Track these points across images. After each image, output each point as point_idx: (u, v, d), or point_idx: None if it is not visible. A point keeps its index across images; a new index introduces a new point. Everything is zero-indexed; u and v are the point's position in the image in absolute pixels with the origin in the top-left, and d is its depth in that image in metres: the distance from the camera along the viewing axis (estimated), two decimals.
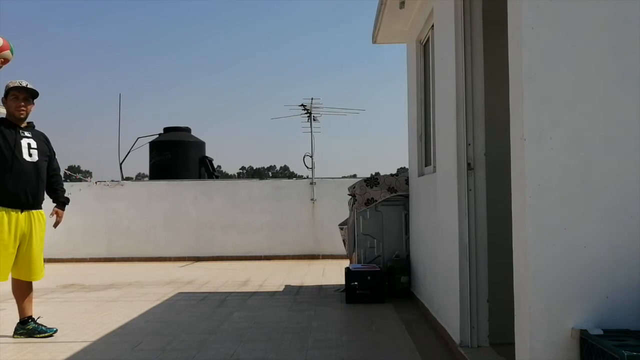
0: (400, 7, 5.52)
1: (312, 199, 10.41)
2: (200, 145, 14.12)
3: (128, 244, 10.33)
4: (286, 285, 7.14)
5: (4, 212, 4.44)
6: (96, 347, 4.31)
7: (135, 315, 5.41)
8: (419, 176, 5.79)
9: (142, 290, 6.99)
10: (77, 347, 4.30)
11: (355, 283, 5.81)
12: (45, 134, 4.83)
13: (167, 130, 14.27)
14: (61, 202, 4.94)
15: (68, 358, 4.04)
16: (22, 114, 4.59)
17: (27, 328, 4.59)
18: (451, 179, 3.96)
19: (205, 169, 13.83)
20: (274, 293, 6.62)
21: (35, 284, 4.80)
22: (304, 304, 5.90)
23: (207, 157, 13.99)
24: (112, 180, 11.09)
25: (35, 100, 4.68)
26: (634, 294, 2.34)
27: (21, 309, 4.65)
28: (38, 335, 4.56)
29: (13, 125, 4.56)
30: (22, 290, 4.66)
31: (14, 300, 4.73)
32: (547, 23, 2.40)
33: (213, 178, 13.81)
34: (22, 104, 4.58)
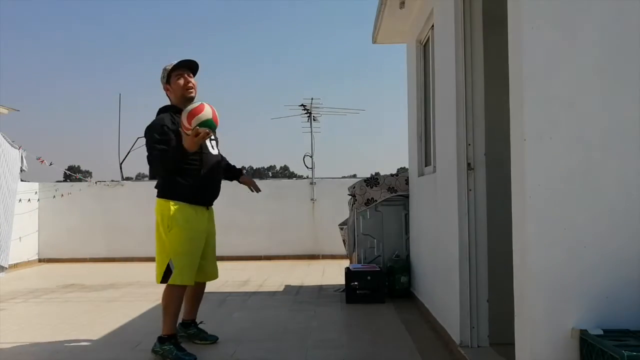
0: (400, 7, 5.52)
1: (312, 199, 10.41)
2: None
3: (128, 244, 10.32)
4: (286, 285, 7.14)
5: (193, 210, 3.99)
6: (96, 347, 4.31)
7: (135, 315, 5.41)
8: (419, 176, 5.79)
9: (142, 290, 6.99)
10: (77, 347, 4.30)
11: (355, 283, 5.81)
12: None
13: None
14: (240, 170, 4.56)
15: (68, 358, 4.04)
16: (192, 93, 4.06)
17: (189, 332, 4.33)
18: (451, 179, 3.96)
19: None
20: (274, 293, 6.62)
21: (35, 284, 4.80)
22: (304, 304, 5.90)
23: None
24: (112, 180, 11.08)
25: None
26: (634, 294, 2.34)
27: (190, 311, 4.39)
28: (198, 342, 4.27)
29: None
30: (200, 292, 4.40)
31: (14, 301, 4.71)
32: (547, 23, 2.40)
33: None
34: (190, 81, 4.07)
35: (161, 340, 3.95)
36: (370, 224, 6.48)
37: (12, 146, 8.93)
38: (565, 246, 2.36)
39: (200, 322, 4.46)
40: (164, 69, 4.12)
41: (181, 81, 4.05)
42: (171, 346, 3.90)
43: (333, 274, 8.02)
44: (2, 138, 8.64)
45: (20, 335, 4.71)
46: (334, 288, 6.78)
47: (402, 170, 8.14)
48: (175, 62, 4.08)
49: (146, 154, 3.98)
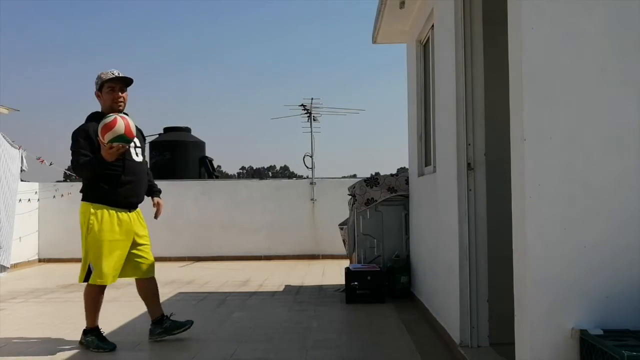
0: (400, 7, 5.53)
1: (312, 199, 10.41)
2: (200, 145, 14.12)
3: None
4: (286, 285, 7.14)
5: (114, 213, 4.27)
6: None
7: (135, 315, 5.41)
8: (419, 176, 5.79)
9: None
10: (78, 347, 4.30)
11: (355, 283, 5.81)
12: (137, 126, 4.44)
13: (167, 130, 14.27)
14: (157, 191, 4.76)
15: (68, 358, 4.05)
16: (120, 106, 4.29)
17: (165, 326, 4.48)
18: (451, 179, 3.96)
19: (205, 169, 13.83)
20: (274, 293, 6.62)
21: (35, 284, 4.79)
22: (304, 304, 5.90)
23: (207, 157, 14.00)
24: None
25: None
26: (634, 294, 2.34)
27: (154, 308, 4.54)
28: (176, 331, 4.46)
29: None
30: (152, 288, 4.53)
31: (15, 301, 4.71)
32: (547, 23, 2.40)
33: (213, 178, 13.82)
34: (120, 94, 4.29)
35: (85, 332, 4.35)
36: (370, 224, 6.48)
37: (12, 146, 8.93)
38: (565, 246, 2.36)
39: (171, 314, 4.59)
40: (99, 76, 4.30)
41: (112, 95, 4.27)
42: (93, 337, 4.29)
43: (333, 274, 8.02)
44: (2, 138, 8.64)
45: (21, 335, 4.71)
46: (334, 288, 6.78)
47: (402, 170, 8.14)
48: (111, 73, 4.27)
49: (70, 157, 4.25)
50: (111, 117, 4.08)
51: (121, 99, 4.30)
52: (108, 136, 4.02)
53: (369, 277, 5.83)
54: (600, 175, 2.38)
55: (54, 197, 10.17)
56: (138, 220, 4.46)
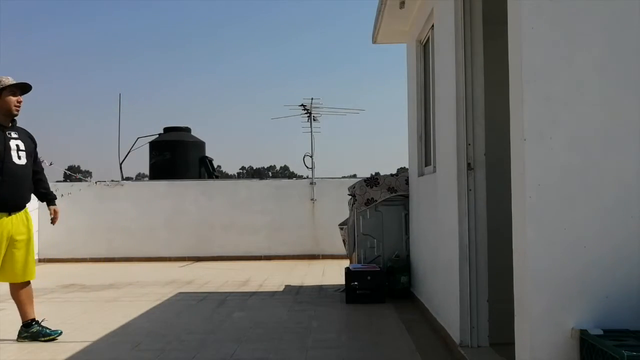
0: (400, 7, 5.53)
1: (312, 199, 10.41)
2: (200, 145, 14.11)
3: (128, 244, 10.32)
4: (286, 285, 7.14)
5: None
6: (96, 347, 4.31)
7: (135, 315, 5.41)
8: (419, 176, 5.79)
9: (142, 290, 6.99)
10: (77, 347, 4.30)
11: (355, 283, 5.81)
12: (28, 130, 4.69)
13: (167, 130, 14.26)
14: (52, 199, 4.91)
15: (68, 358, 4.04)
16: (17, 112, 4.52)
17: (32, 331, 4.52)
18: (451, 179, 3.96)
19: (205, 169, 13.82)
20: (274, 293, 6.62)
21: (35, 284, 4.79)
22: (304, 304, 5.90)
23: (207, 157, 13.98)
24: (112, 180, 11.08)
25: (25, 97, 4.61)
26: (634, 294, 2.34)
27: (23, 312, 4.58)
28: (43, 339, 4.49)
29: (1, 125, 4.44)
30: (22, 292, 4.57)
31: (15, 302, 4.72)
32: (547, 23, 2.40)
33: (213, 178, 13.81)
34: (21, 101, 4.52)
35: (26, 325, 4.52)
36: (370, 224, 6.48)
37: None
38: (565, 246, 2.36)
39: (42, 320, 4.60)
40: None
41: (13, 98, 4.46)
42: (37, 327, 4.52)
43: (333, 274, 8.02)
44: None
45: None
46: (334, 288, 6.78)
47: (402, 170, 8.14)
48: (12, 79, 4.46)
49: None
50: None
51: (20, 104, 4.50)
52: None
53: (369, 277, 5.83)
54: (600, 175, 2.38)
55: None
56: (18, 222, 4.48)
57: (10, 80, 4.48)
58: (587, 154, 2.38)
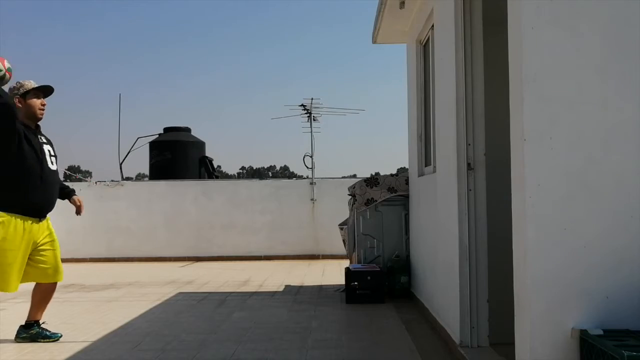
0: (400, 7, 5.53)
1: (312, 199, 10.41)
2: (200, 145, 14.12)
3: (128, 244, 10.33)
4: (286, 285, 7.14)
5: (20, 221, 4.23)
6: (96, 347, 4.31)
7: (135, 315, 5.41)
8: (419, 176, 5.79)
9: (142, 290, 6.99)
10: (77, 347, 4.30)
11: (355, 283, 5.81)
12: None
13: (167, 130, 14.27)
14: (72, 190, 4.85)
15: (68, 358, 4.04)
16: (42, 115, 4.46)
17: (31, 332, 4.48)
18: (451, 179, 3.96)
19: (205, 169, 13.83)
20: (274, 293, 6.62)
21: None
22: (304, 304, 5.90)
23: (207, 157, 13.99)
24: (112, 180, 11.08)
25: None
26: (634, 294, 2.34)
27: (33, 311, 4.50)
28: (42, 340, 4.45)
29: (32, 129, 4.37)
30: (45, 292, 4.50)
31: (15, 301, 4.71)
32: (547, 23, 2.40)
33: (213, 178, 13.82)
34: (45, 104, 4.46)
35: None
36: (370, 224, 6.48)
37: None
38: (565, 246, 2.36)
39: (43, 322, 4.55)
40: (22, 84, 4.40)
41: (37, 101, 4.42)
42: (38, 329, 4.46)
43: (333, 274, 8.02)
44: None
45: None
46: (334, 288, 6.78)
47: (402, 170, 8.15)
48: (34, 83, 4.41)
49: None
50: None
51: (44, 110, 4.45)
52: None
53: (369, 277, 5.83)
54: (600, 175, 2.38)
55: None
56: (43, 226, 4.43)
57: (32, 83, 4.43)
58: (587, 154, 2.38)
